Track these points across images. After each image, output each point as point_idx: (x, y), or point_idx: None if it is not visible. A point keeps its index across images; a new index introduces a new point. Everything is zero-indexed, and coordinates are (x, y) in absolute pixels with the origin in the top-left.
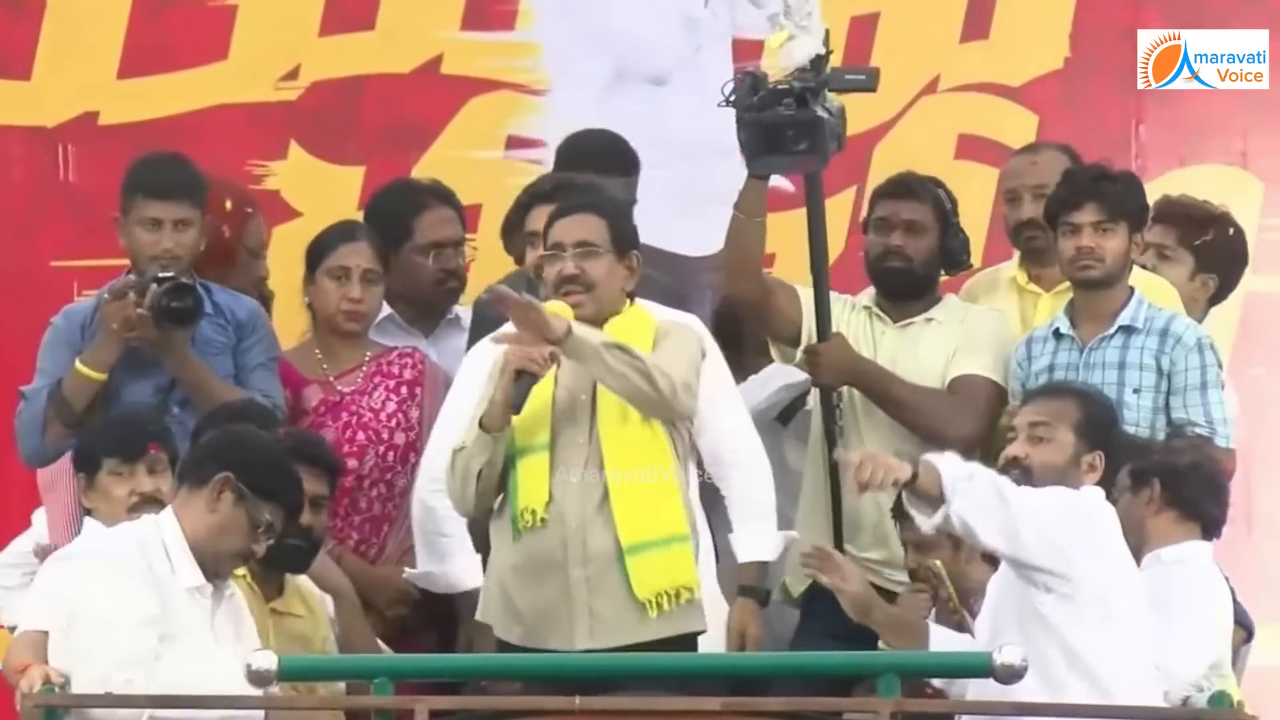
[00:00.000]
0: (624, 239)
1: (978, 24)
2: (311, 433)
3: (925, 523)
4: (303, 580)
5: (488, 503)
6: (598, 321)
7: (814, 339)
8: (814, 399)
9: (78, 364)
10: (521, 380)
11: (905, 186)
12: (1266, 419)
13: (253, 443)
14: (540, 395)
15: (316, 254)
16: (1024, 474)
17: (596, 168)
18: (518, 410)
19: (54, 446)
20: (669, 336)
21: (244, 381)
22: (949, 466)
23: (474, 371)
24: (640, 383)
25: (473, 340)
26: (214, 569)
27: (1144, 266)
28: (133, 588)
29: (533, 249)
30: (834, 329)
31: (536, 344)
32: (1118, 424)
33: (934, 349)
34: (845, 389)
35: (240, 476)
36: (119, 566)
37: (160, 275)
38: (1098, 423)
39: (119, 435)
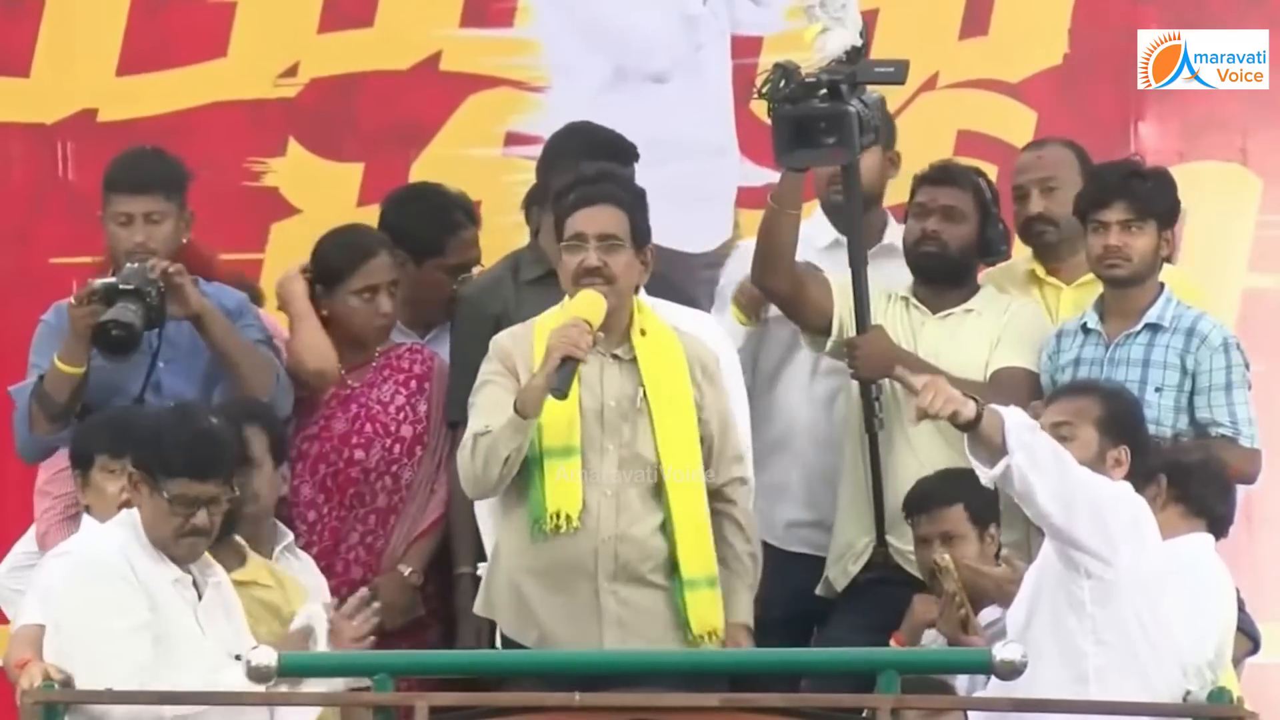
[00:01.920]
0: (641, 232)
1: (977, 20)
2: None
3: (984, 474)
4: (275, 563)
5: (502, 489)
6: (616, 313)
7: (845, 327)
8: (854, 392)
9: (55, 360)
10: (566, 365)
11: (946, 173)
12: (1267, 418)
13: (140, 425)
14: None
15: (334, 274)
16: None
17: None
18: (564, 395)
19: (43, 440)
20: (713, 383)
21: None
22: (1014, 416)
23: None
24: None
25: (461, 330)
26: (180, 557)
27: None
28: (120, 596)
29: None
30: (873, 320)
31: None
32: (1143, 418)
33: (975, 340)
34: (886, 381)
35: (137, 463)
36: (104, 576)
37: (122, 287)
38: (1121, 418)
39: (110, 432)
